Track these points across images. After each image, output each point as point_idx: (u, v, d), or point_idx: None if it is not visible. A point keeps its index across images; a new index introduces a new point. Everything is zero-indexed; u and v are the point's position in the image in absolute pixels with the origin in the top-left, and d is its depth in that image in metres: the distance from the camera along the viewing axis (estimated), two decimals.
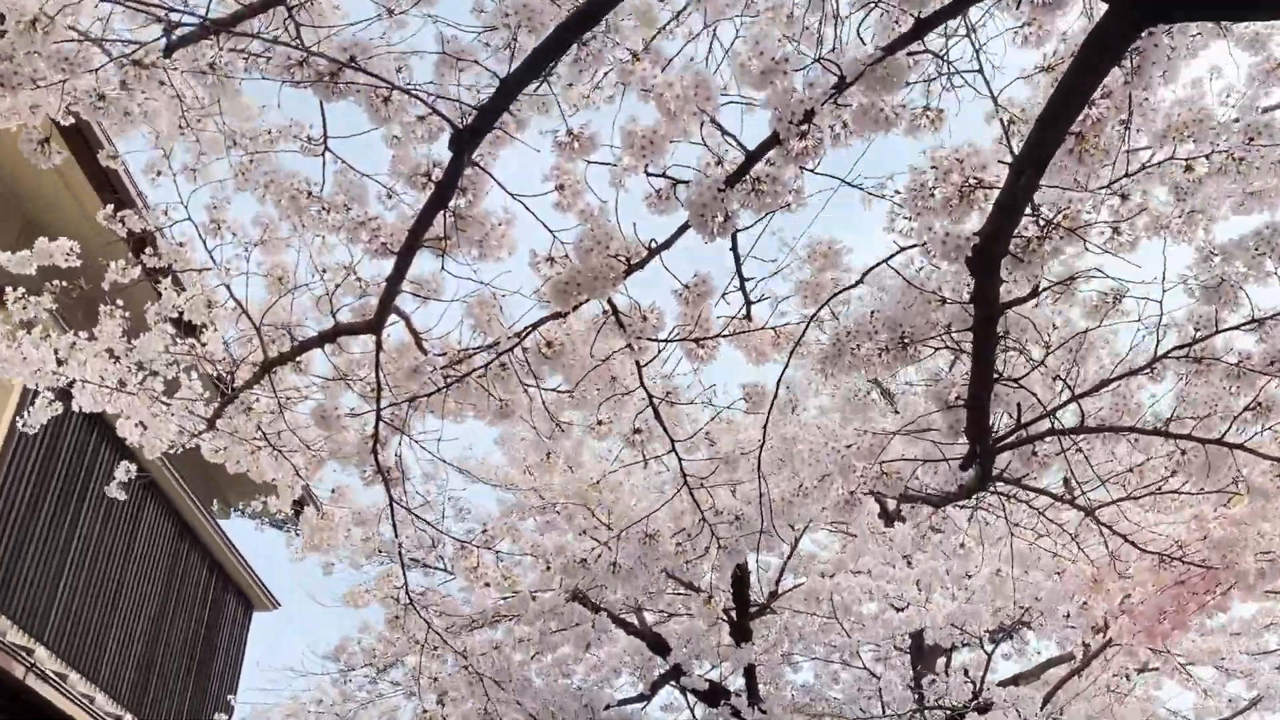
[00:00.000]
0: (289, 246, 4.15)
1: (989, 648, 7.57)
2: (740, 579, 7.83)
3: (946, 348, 3.26)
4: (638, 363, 3.30)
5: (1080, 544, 4.59)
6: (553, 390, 3.83)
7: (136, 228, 4.37)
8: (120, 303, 4.58)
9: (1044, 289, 3.08)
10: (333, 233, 3.53)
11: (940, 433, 3.39)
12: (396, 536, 4.23)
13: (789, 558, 8.36)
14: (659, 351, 3.33)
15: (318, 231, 3.58)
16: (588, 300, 3.08)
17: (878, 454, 3.60)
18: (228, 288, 4.23)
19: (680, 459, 3.62)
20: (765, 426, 3.46)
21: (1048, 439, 3.56)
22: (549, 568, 4.36)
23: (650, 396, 3.42)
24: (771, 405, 3.41)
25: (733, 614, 7.93)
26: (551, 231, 3.18)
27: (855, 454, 3.59)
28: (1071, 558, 4.73)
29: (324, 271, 4.12)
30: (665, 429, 3.51)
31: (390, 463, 4.09)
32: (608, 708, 7.64)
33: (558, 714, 7.46)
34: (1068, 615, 7.19)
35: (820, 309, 3.13)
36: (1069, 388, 3.48)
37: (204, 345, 4.58)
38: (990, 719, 6.81)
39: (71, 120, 3.92)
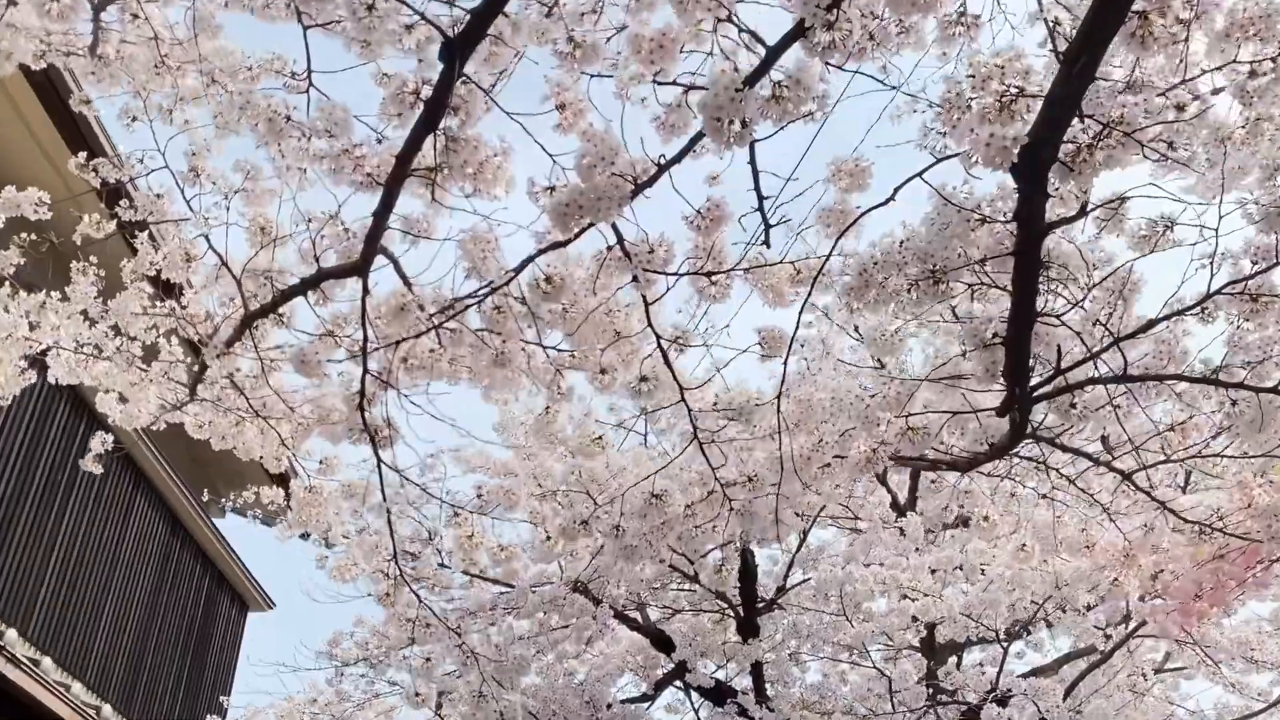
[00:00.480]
0: (271, 194, 3.89)
1: (1004, 642, 7.28)
2: (747, 573, 7.56)
3: (981, 284, 2.99)
4: (644, 297, 3.03)
5: (1112, 515, 4.31)
6: (554, 348, 3.56)
7: (110, 178, 4.10)
8: (94, 259, 4.31)
9: (1092, 208, 2.81)
10: (315, 163, 3.26)
11: (975, 378, 3.12)
12: (384, 500, 3.95)
13: (797, 551, 8.09)
14: (668, 289, 3.06)
15: (299, 164, 3.30)
16: (591, 225, 2.81)
17: (904, 403, 3.33)
18: (207, 239, 3.97)
19: (690, 409, 3.35)
20: (785, 361, 3.19)
21: (1088, 389, 3.29)
22: (549, 537, 4.09)
23: (659, 338, 3.15)
24: (792, 340, 3.13)
25: (739, 610, 7.65)
26: (551, 156, 2.92)
27: (880, 404, 3.32)
28: (1101, 529, 4.45)
29: (309, 221, 3.86)
30: (674, 375, 3.23)
31: (379, 422, 3.81)
32: (609, 706, 7.36)
33: (559, 711, 7.19)
34: (1089, 607, 6.91)
35: (845, 231, 2.85)
36: (1110, 333, 3.21)
37: (184, 307, 4.33)
38: (1009, 711, 6.51)
39: (43, 65, 3.67)
